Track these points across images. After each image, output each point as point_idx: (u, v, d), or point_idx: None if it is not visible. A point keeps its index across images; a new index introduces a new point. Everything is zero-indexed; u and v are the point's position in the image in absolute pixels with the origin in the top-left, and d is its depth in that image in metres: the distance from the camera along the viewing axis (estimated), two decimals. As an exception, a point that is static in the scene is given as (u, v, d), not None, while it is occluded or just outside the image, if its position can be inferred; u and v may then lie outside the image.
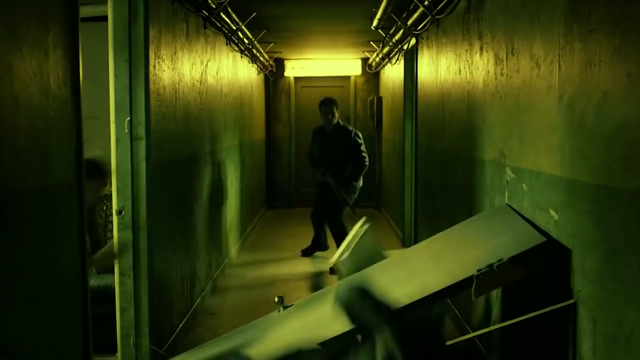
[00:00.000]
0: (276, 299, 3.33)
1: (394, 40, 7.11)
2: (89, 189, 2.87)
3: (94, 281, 4.17)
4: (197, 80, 5.09)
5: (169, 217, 4.26)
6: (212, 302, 5.50)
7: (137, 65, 3.58)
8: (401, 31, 6.56)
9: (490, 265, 2.51)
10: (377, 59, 9.45)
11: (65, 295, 2.57)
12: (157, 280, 3.93)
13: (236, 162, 7.45)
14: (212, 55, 5.79)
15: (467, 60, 4.28)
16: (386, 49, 8.04)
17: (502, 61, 3.43)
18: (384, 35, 7.25)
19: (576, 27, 2.46)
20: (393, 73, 9.01)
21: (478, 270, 2.50)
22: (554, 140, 2.70)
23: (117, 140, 3.63)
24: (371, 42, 8.72)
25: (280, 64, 11.25)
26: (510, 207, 3.21)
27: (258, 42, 7.96)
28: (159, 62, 3.92)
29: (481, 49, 3.90)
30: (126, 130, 3.61)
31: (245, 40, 7.20)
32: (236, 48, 7.13)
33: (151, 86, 3.73)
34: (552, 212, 2.70)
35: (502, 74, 3.44)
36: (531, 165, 2.99)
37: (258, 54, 8.59)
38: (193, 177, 5.02)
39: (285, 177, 11.62)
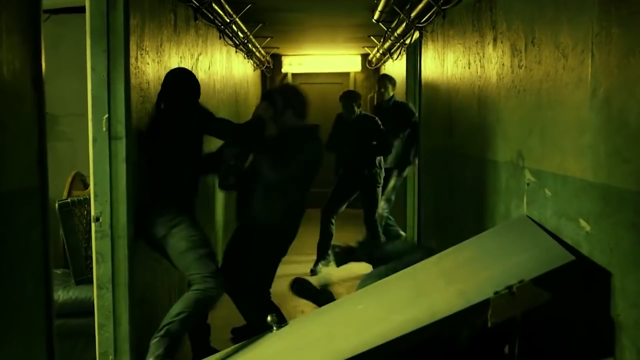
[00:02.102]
0: (269, 318, 3.01)
1: (396, 34, 6.77)
2: None
3: (71, 293, 3.84)
4: (186, 75, 4.74)
5: (154, 223, 3.91)
6: (203, 312, 5.15)
7: (116, 56, 3.24)
8: (404, 24, 6.22)
9: (509, 287, 2.17)
10: (378, 54, 9.13)
11: (24, 314, 2.24)
12: (140, 292, 3.59)
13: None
14: (204, 48, 5.46)
15: (478, 53, 3.95)
16: (387, 44, 7.71)
17: (520, 52, 3.10)
18: (385, 29, 6.92)
19: (614, 10, 2.13)
20: (394, 69, 8.67)
21: (495, 293, 2.17)
22: (584, 140, 2.37)
23: (95, 140, 3.29)
24: (372, 37, 8.39)
25: (277, 59, 10.92)
26: (531, 219, 2.87)
27: (254, 37, 7.63)
28: (141, 54, 3.58)
29: (495, 39, 3.56)
30: (104, 129, 3.26)
31: (240, 34, 6.85)
32: (230, 42, 6.79)
33: (132, 80, 3.39)
34: (583, 223, 2.37)
35: (520, 67, 3.11)
36: (556, 168, 2.66)
37: (254, 49, 8.25)
38: (182, 179, 4.67)
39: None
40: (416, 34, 6.25)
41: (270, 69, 10.60)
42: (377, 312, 2.58)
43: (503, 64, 3.39)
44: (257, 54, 8.73)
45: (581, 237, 2.39)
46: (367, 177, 6.56)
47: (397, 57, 7.79)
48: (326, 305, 3.16)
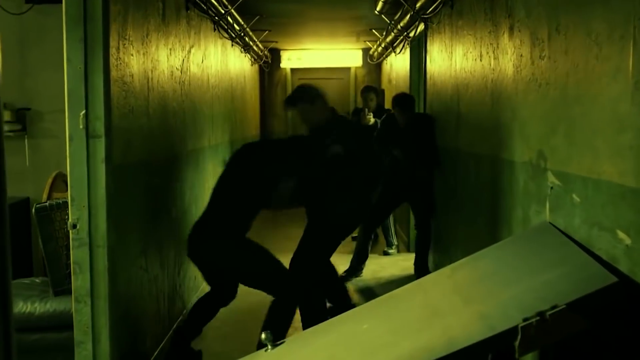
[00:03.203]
0: (263, 336, 2.69)
1: (399, 26, 6.47)
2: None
3: (49, 305, 3.54)
4: (177, 68, 4.44)
5: (138, 229, 3.61)
6: (195, 320, 4.85)
7: (94, 46, 2.92)
8: (408, 16, 5.92)
9: (540, 313, 1.85)
10: (380, 48, 8.82)
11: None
12: (124, 305, 3.29)
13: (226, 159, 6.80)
14: (197, 40, 5.14)
15: (491, 44, 3.64)
16: (390, 37, 7.40)
17: (542, 42, 2.78)
18: (388, 21, 6.62)
19: (664, -13, 1.82)
20: (397, 63, 8.36)
21: (524, 319, 1.85)
22: (624, 139, 2.06)
23: (71, 139, 2.98)
24: (373, 31, 8.09)
25: (275, 54, 10.61)
26: (555, 226, 2.56)
27: (251, 30, 7.32)
28: (124, 44, 3.26)
29: (511, 29, 3.25)
30: (81, 126, 2.95)
31: (235, 26, 6.54)
32: (226, 35, 6.47)
33: (113, 72, 3.08)
34: (622, 234, 2.06)
35: (541, 57, 2.79)
36: (586, 171, 2.35)
37: (251, 43, 7.94)
38: (172, 180, 4.37)
39: (282, 175, 10.99)
40: (421, 26, 5.94)
41: (268, 63, 10.29)
42: (384, 334, 2.28)
43: (521, 55, 3.08)
44: (255, 48, 8.41)
45: (619, 251, 2.08)
46: (421, 183, 5.62)
47: (400, 51, 7.49)
48: (328, 322, 2.85)
